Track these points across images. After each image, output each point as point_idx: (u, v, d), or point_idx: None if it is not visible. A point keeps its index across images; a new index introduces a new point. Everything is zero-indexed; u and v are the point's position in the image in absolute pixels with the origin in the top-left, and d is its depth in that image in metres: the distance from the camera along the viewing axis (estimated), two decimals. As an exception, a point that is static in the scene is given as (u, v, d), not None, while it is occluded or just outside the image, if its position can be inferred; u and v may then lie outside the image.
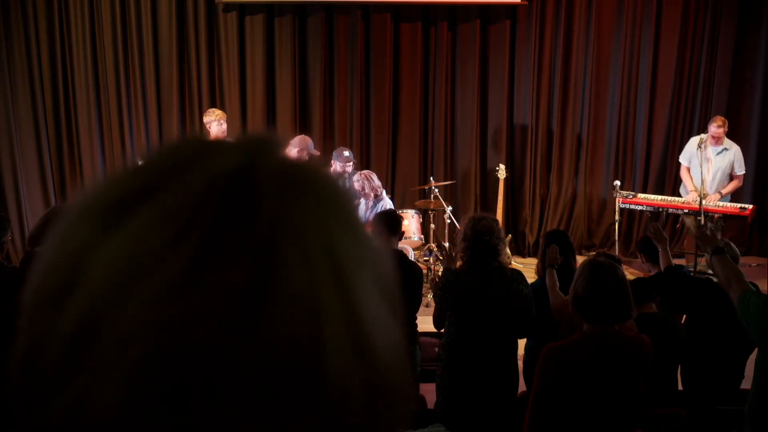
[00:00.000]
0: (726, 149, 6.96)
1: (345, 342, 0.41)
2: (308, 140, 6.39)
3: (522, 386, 3.76)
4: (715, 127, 6.85)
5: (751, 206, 6.92)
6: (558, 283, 3.74)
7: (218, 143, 0.46)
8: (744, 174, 7.05)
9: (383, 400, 0.43)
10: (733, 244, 4.11)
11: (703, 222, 6.36)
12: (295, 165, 0.45)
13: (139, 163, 0.45)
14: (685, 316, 4.19)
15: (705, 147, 6.75)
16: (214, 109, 6.80)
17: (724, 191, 6.94)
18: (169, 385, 0.37)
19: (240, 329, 0.38)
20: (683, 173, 7.16)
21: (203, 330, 0.38)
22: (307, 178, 0.45)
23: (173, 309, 0.38)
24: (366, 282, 0.44)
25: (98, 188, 0.44)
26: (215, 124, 6.43)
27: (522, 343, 3.87)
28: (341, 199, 0.46)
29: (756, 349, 3.17)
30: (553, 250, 3.92)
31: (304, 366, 0.39)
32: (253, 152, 0.44)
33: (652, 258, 4.41)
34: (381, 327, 0.44)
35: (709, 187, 6.98)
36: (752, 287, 3.19)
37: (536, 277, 4.27)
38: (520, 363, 3.94)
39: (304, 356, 0.39)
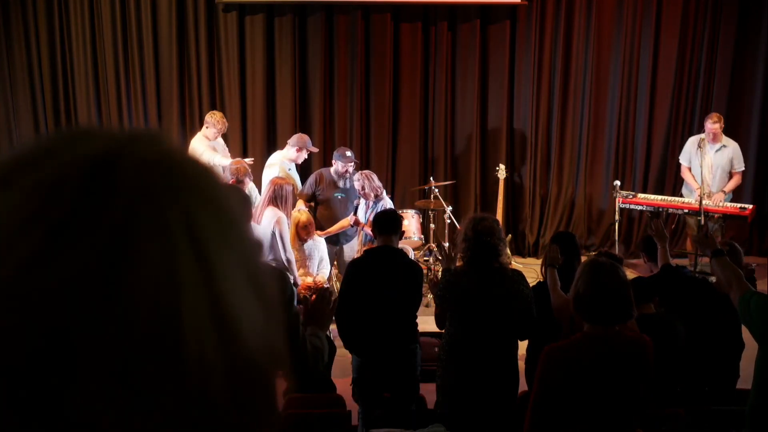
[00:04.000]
0: (724, 146, 6.97)
1: (204, 316, 0.42)
2: (306, 138, 6.39)
3: (523, 386, 3.76)
4: (711, 123, 6.86)
5: (751, 206, 6.93)
6: (559, 283, 3.74)
7: (92, 131, 0.47)
8: (743, 170, 7.05)
9: (249, 384, 0.44)
10: (738, 246, 4.11)
11: (703, 222, 6.36)
12: (167, 153, 0.46)
13: (18, 148, 0.46)
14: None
15: (703, 146, 6.76)
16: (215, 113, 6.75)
17: (726, 189, 6.95)
18: (27, 358, 0.38)
19: (96, 301, 0.39)
20: (684, 173, 7.17)
21: (60, 302, 0.39)
22: (177, 165, 0.46)
23: (30, 283, 0.39)
24: (231, 265, 0.45)
25: None
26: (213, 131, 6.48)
27: (523, 343, 3.87)
28: (211, 185, 0.47)
29: (752, 349, 3.18)
30: (554, 249, 3.91)
31: (161, 337, 0.40)
32: (123, 140, 0.46)
33: (653, 257, 4.42)
34: (247, 310, 0.44)
35: (711, 186, 6.99)
36: (752, 287, 3.20)
37: (537, 277, 4.28)
38: (522, 363, 3.94)
39: (161, 327, 0.40)
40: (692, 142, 7.03)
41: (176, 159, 0.47)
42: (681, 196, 7.34)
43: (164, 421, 0.40)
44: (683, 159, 7.18)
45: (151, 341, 0.40)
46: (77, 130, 0.47)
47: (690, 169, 7.07)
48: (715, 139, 6.92)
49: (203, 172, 0.48)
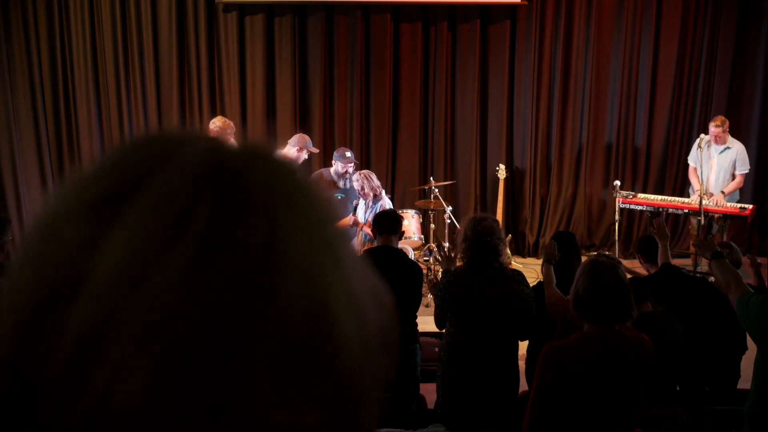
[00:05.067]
0: (728, 148, 6.98)
1: (347, 308, 0.43)
2: (306, 138, 6.39)
3: (523, 386, 3.76)
4: (713, 127, 6.88)
5: (751, 206, 6.93)
6: (555, 280, 3.73)
7: (185, 134, 0.48)
8: (746, 173, 7.05)
9: (378, 368, 0.46)
10: (736, 247, 4.11)
11: (703, 222, 6.36)
12: (257, 147, 0.48)
13: (106, 159, 0.45)
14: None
15: (708, 146, 6.76)
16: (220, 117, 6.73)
17: (726, 191, 6.95)
18: (195, 366, 0.38)
19: (256, 305, 0.40)
20: (691, 175, 7.18)
21: (222, 307, 0.39)
22: (274, 161, 0.47)
23: (189, 293, 0.39)
24: (347, 251, 0.47)
25: (74, 188, 0.44)
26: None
27: (524, 343, 3.87)
28: (307, 178, 0.49)
29: (752, 349, 3.18)
30: (552, 245, 3.90)
31: (319, 334, 0.42)
32: (215, 142, 0.47)
33: (650, 259, 4.41)
34: (364, 300, 0.47)
35: (713, 188, 6.99)
36: (751, 289, 3.21)
37: (537, 277, 4.27)
38: (522, 363, 3.94)
39: (318, 325, 0.42)
40: (698, 142, 7.03)
41: (269, 153, 0.48)
42: (687, 196, 7.35)
43: (326, 409, 0.42)
44: (691, 159, 7.20)
45: (308, 337, 0.41)
46: (158, 138, 0.47)
47: (696, 170, 7.08)
48: (718, 141, 6.92)
49: (291, 164, 0.49)
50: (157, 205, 0.41)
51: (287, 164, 0.47)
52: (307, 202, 0.45)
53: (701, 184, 6.71)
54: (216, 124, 6.51)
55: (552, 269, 3.78)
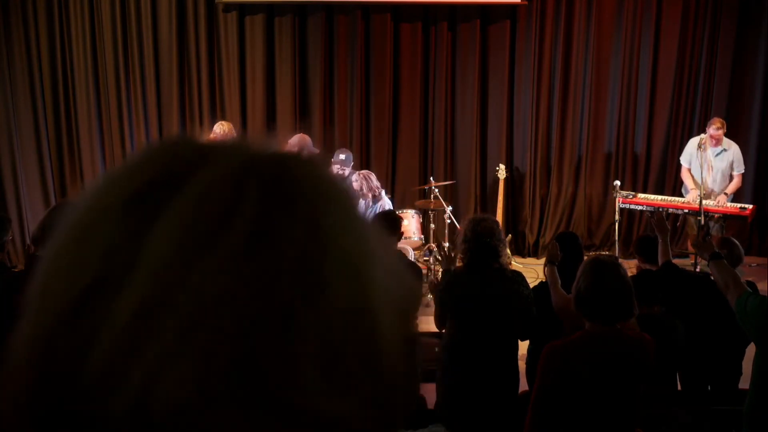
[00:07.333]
0: (725, 150, 6.97)
1: (384, 303, 0.44)
2: (307, 139, 6.38)
3: (524, 386, 3.75)
4: (714, 130, 6.87)
5: (751, 206, 6.92)
6: (560, 281, 3.71)
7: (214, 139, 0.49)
8: (743, 173, 7.05)
9: (408, 362, 0.47)
10: (736, 242, 4.11)
11: (703, 222, 6.35)
12: (289, 153, 0.48)
13: (139, 158, 0.46)
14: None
15: (705, 149, 6.75)
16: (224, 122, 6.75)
17: (728, 191, 6.95)
18: (245, 354, 0.38)
19: (303, 293, 0.40)
20: (684, 174, 7.17)
21: (271, 295, 0.39)
22: (307, 159, 0.48)
23: (238, 280, 0.39)
24: (378, 245, 0.47)
25: (108, 185, 0.45)
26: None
27: (524, 343, 3.86)
28: (336, 177, 0.50)
29: (752, 348, 3.18)
30: (554, 246, 3.89)
31: (360, 327, 0.42)
32: (247, 143, 0.47)
33: (649, 259, 4.39)
34: (397, 284, 0.47)
35: (711, 189, 6.98)
36: (749, 289, 3.20)
37: (537, 278, 4.26)
38: (522, 364, 3.93)
39: (359, 317, 0.42)
40: (693, 143, 7.01)
41: (314, 160, 0.49)
42: (681, 196, 7.34)
43: (365, 401, 0.42)
44: (684, 160, 7.18)
45: (351, 329, 0.42)
46: (188, 141, 0.48)
47: (690, 170, 7.07)
48: (716, 143, 6.92)
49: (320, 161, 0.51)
50: (204, 196, 0.41)
51: (320, 163, 0.49)
52: (343, 199, 0.46)
53: (699, 185, 6.70)
54: (222, 127, 6.53)
55: (555, 270, 3.76)
